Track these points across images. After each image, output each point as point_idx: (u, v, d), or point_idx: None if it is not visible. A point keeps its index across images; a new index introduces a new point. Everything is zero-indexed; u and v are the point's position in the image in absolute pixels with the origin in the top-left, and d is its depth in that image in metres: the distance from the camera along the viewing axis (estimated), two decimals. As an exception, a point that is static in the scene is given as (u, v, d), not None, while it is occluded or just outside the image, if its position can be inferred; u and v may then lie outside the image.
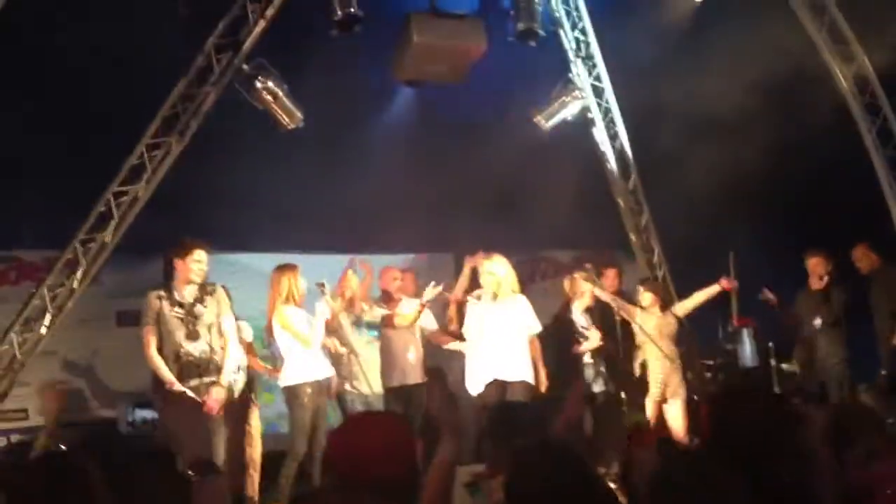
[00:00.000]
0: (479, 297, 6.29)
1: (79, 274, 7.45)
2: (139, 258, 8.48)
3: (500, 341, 6.16)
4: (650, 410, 6.76)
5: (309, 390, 5.93)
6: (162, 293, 5.53)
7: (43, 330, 7.40)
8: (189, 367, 5.44)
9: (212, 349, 5.53)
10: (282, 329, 6.01)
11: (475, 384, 6.17)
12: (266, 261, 8.08)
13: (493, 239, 7.54)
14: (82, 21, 6.85)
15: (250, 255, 8.83)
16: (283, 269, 6.18)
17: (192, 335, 5.49)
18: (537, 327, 6.38)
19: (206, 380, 5.46)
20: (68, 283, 7.46)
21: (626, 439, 6.29)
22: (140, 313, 5.56)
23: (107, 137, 7.44)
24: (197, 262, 5.59)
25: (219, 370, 5.53)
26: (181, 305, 5.51)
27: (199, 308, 5.55)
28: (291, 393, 5.99)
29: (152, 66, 7.22)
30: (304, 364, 5.99)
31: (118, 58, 7.04)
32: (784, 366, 7.89)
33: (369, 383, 6.46)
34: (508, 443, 2.67)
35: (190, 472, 1.93)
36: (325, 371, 6.14)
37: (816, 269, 7.34)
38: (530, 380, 6.18)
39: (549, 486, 2.11)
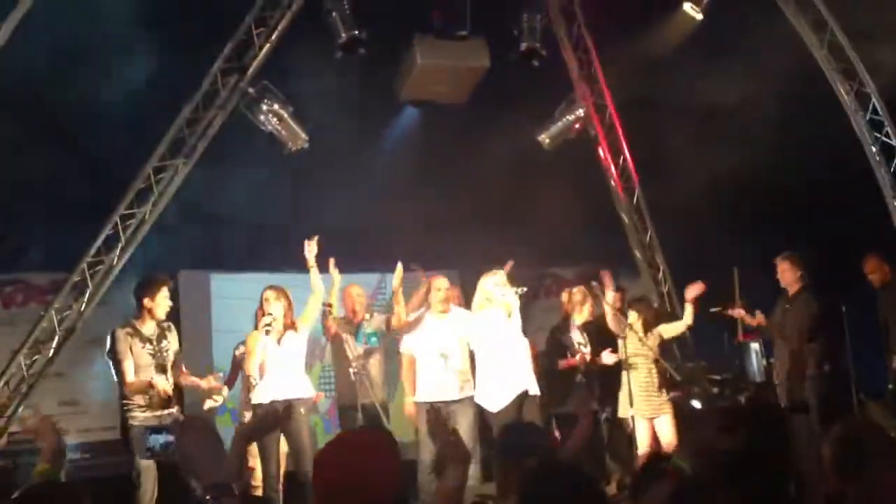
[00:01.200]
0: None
1: (86, 296, 7.50)
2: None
3: (517, 353, 6.12)
4: (642, 427, 6.68)
5: (259, 412, 5.89)
6: (129, 330, 5.70)
7: (51, 352, 7.45)
8: (158, 400, 5.62)
9: (174, 383, 5.76)
10: None
11: (494, 395, 6.03)
12: (271, 281, 8.09)
13: (498, 255, 7.57)
14: (89, 44, 6.92)
15: (255, 274, 8.84)
16: None
17: (162, 369, 5.70)
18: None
19: (169, 412, 5.66)
20: (76, 306, 7.52)
21: (635, 460, 6.27)
22: (113, 349, 5.66)
23: (114, 160, 7.49)
24: (165, 299, 5.79)
25: (178, 403, 5.86)
26: (150, 342, 5.71)
27: (164, 343, 5.77)
28: None
29: (159, 89, 7.29)
30: (258, 386, 5.95)
31: (125, 81, 7.12)
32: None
33: (375, 398, 6.45)
34: (518, 464, 2.68)
35: (207, 497, 1.94)
36: (284, 393, 5.90)
37: (784, 275, 6.90)
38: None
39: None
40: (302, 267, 8.37)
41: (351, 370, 6.63)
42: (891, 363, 7.19)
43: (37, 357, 7.43)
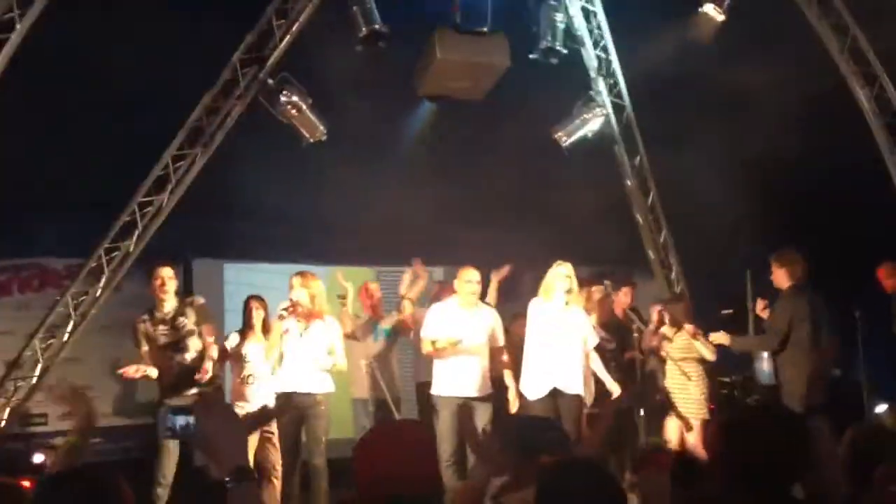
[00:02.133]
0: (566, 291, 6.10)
1: (102, 282, 7.56)
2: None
3: (563, 350, 6.07)
4: (671, 428, 6.69)
5: (279, 401, 5.96)
6: (145, 317, 6.00)
7: (66, 336, 7.52)
8: (183, 377, 5.85)
9: (200, 357, 5.93)
10: None
11: (532, 388, 6.07)
12: (282, 271, 8.16)
13: (512, 253, 7.59)
14: (107, 33, 6.95)
15: (267, 265, 8.90)
16: None
17: (182, 347, 5.92)
18: (595, 341, 6.32)
19: (203, 390, 5.84)
20: (92, 291, 7.57)
21: (639, 459, 6.27)
22: (133, 340, 6.03)
23: (131, 148, 7.53)
24: (156, 280, 5.99)
25: (210, 378, 5.96)
26: (164, 322, 5.94)
27: (181, 320, 5.95)
28: None
29: (178, 78, 7.32)
30: (279, 375, 6.01)
31: (143, 69, 7.14)
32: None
33: (386, 393, 6.47)
34: (534, 458, 2.70)
35: (226, 479, 1.96)
36: (298, 385, 5.91)
37: (775, 276, 6.55)
38: (583, 395, 6.13)
39: (581, 502, 2.14)
40: (314, 259, 8.45)
41: (363, 363, 6.70)
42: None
43: (52, 341, 7.49)
